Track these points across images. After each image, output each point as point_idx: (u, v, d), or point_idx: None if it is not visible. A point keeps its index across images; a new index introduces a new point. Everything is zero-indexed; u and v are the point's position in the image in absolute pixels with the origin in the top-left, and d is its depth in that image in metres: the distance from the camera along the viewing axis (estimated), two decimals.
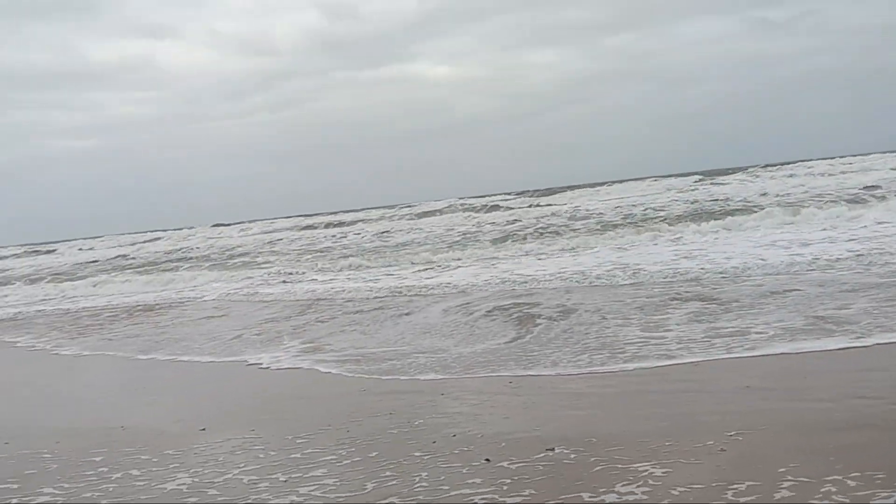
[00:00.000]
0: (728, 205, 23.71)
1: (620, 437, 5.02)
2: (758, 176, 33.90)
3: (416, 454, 5.06)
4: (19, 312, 18.36)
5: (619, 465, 4.51)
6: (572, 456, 4.76)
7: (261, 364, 8.79)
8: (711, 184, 32.41)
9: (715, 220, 20.33)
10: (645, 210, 24.75)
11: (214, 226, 51.24)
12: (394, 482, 4.58)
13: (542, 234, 23.04)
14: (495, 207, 35.39)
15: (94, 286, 22.12)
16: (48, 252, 48.31)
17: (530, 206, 32.83)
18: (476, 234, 25.09)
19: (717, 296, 10.01)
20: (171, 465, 5.27)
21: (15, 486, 5.14)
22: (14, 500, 4.88)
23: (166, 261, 31.78)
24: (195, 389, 8.13)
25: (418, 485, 4.49)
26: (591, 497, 4.06)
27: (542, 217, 26.74)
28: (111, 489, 4.90)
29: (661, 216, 22.95)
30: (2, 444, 6.26)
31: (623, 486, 4.19)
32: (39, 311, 18.22)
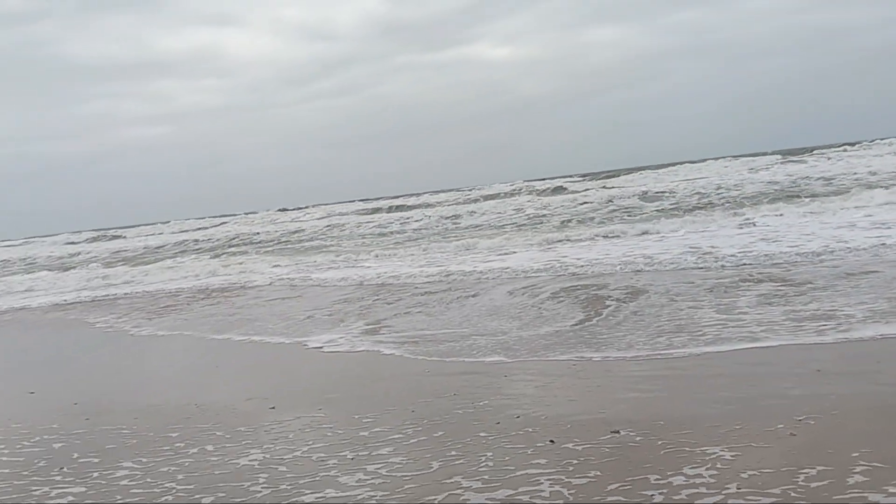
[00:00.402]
0: (808, 184, 23.09)
1: (688, 421, 4.97)
2: (842, 153, 32.84)
3: (481, 434, 5.09)
4: (106, 295, 18.96)
5: (687, 448, 4.47)
6: (638, 438, 4.73)
7: (328, 345, 8.94)
8: (788, 162, 31.56)
9: (794, 201, 19.79)
10: (719, 190, 24.24)
11: (280, 210, 52.07)
12: (460, 461, 4.62)
13: (609, 216, 22.84)
14: (561, 190, 35.17)
15: (168, 269, 22.71)
16: (114, 237, 49.88)
17: (596, 189, 32.43)
18: (542, 217, 25.00)
19: (790, 277, 9.78)
20: (244, 442, 5.42)
21: (96, 460, 5.35)
22: (95, 473, 5.08)
23: (237, 244, 32.50)
24: (265, 369, 8.32)
25: (483, 464, 4.53)
26: (657, 479, 4.04)
27: (610, 199, 26.46)
28: (187, 464, 5.07)
29: (735, 196, 22.47)
30: (83, 420, 6.51)
31: (691, 468, 4.16)
32: (119, 293, 18.80)
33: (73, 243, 49.12)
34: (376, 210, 40.22)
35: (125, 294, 18.43)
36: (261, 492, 4.44)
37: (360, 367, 7.86)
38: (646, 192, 26.80)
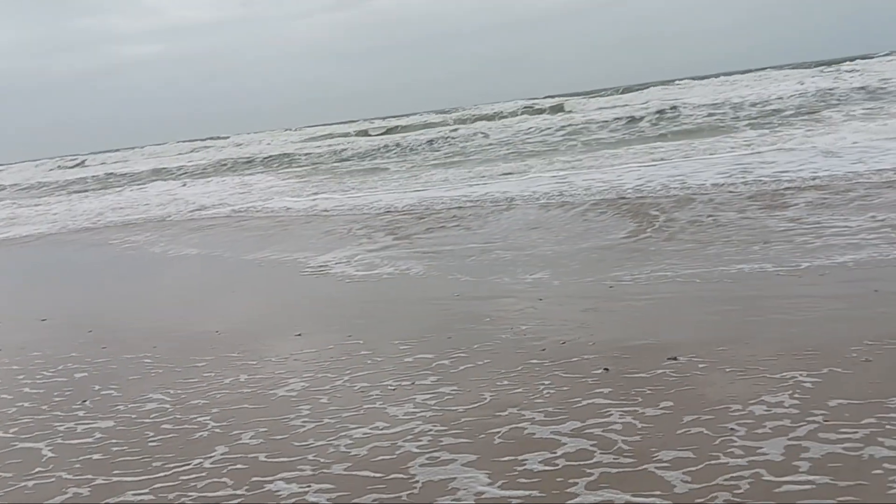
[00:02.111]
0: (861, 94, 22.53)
1: (753, 345, 4.67)
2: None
3: (532, 362, 4.79)
4: (127, 214, 18.50)
5: (758, 374, 4.17)
6: (701, 366, 4.43)
7: (352, 264, 8.58)
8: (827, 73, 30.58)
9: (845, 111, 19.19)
10: (754, 105, 23.46)
11: (286, 130, 50.91)
12: (516, 391, 4.32)
13: (629, 135, 22.23)
14: (562, 107, 34.33)
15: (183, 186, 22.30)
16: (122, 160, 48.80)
17: (614, 106, 31.23)
18: (561, 139, 24.17)
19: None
20: (278, 371, 5.11)
21: (118, 393, 5.05)
22: (120, 406, 4.79)
23: (247, 163, 31.78)
24: (285, 292, 7.95)
25: (541, 395, 4.23)
26: (739, 409, 3.74)
27: (626, 115, 25.61)
28: (219, 396, 4.77)
29: (773, 109, 21.79)
30: (100, 348, 6.21)
31: (770, 396, 3.86)
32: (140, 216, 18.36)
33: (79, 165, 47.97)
34: (390, 130, 38.84)
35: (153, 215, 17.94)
36: (304, 426, 4.14)
37: (387, 290, 7.49)
38: (668, 108, 25.64)
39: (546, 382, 4.40)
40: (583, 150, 20.77)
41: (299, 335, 6.03)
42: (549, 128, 26.49)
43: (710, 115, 23.27)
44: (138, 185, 29.30)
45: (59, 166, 49.40)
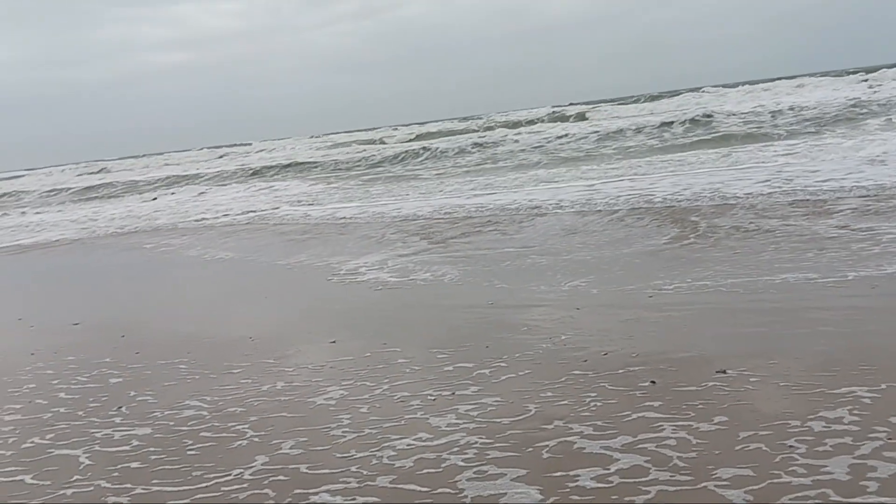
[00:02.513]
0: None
1: (804, 358, 4.52)
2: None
3: (575, 373, 4.67)
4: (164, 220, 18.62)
5: (813, 389, 4.02)
6: (752, 379, 4.29)
7: (385, 270, 8.50)
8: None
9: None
10: (787, 111, 23.19)
11: (311, 137, 51.11)
12: (561, 403, 4.21)
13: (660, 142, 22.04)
14: (584, 115, 34.13)
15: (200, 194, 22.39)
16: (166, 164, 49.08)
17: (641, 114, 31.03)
18: (592, 147, 23.95)
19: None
20: (315, 379, 5.03)
21: (154, 400, 4.99)
22: (157, 413, 4.73)
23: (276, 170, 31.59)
24: (319, 298, 7.86)
25: (589, 407, 4.11)
26: (797, 425, 3.60)
27: (659, 122, 25.35)
28: (257, 404, 4.69)
29: (812, 116, 21.53)
30: (134, 353, 6.16)
31: (828, 412, 3.72)
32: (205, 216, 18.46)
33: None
34: (424, 135, 38.67)
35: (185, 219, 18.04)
36: (345, 437, 4.05)
37: (421, 296, 7.41)
38: (702, 115, 25.31)
39: (592, 395, 4.28)
40: (617, 156, 20.59)
41: (334, 342, 5.96)
42: (577, 133, 26.25)
43: (746, 122, 22.99)
44: (166, 188, 29.50)
45: (85, 172, 49.83)
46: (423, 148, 29.32)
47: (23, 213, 26.67)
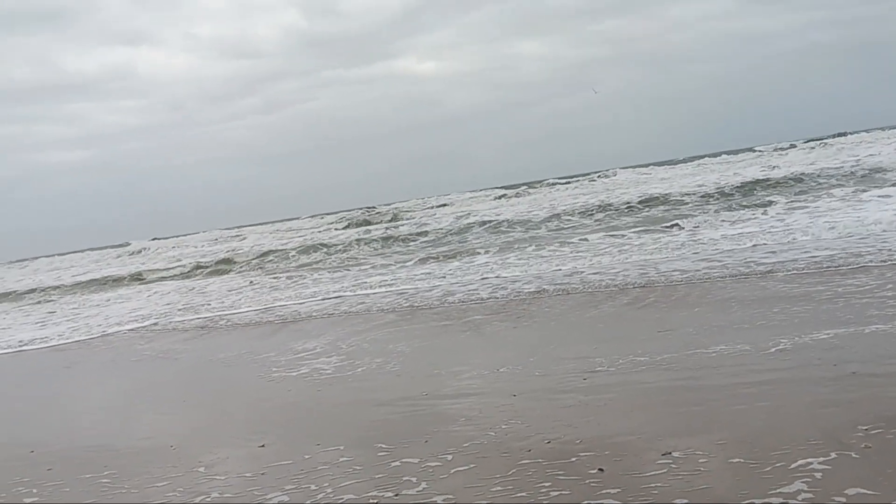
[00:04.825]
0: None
1: (743, 438, 4.56)
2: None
3: (523, 462, 4.57)
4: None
5: (773, 465, 4.04)
6: (702, 460, 4.29)
7: (321, 367, 8.25)
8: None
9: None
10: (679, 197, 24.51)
11: (224, 229, 50.26)
12: (520, 494, 4.09)
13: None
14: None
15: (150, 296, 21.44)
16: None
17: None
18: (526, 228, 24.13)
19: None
20: (252, 488, 4.76)
21: None
22: None
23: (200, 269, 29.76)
24: (221, 399, 7.55)
25: (550, 497, 4.01)
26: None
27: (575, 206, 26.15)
28: None
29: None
30: (45, 470, 5.73)
31: (785, 487, 3.74)
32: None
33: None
34: (367, 222, 38.46)
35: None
36: None
37: (358, 389, 7.19)
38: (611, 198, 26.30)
39: (546, 485, 4.19)
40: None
41: (262, 446, 5.69)
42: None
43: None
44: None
45: None
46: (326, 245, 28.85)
47: None
